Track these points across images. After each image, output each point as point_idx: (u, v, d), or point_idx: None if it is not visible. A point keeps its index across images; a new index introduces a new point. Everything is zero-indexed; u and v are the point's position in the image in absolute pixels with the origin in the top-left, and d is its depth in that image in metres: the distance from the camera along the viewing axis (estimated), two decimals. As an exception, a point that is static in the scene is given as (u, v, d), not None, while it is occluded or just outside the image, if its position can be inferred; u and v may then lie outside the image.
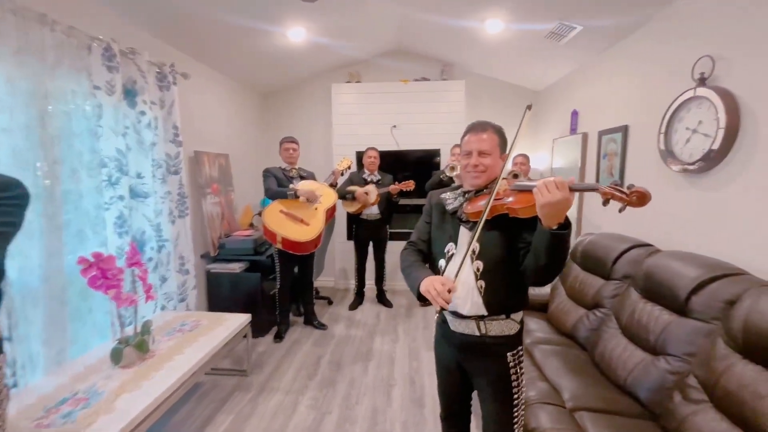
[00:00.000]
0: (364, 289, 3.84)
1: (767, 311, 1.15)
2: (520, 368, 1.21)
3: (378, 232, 3.58)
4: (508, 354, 1.19)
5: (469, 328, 1.21)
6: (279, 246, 2.78)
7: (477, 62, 3.82)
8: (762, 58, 1.44)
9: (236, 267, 3.02)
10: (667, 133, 1.90)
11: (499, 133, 1.24)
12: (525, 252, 1.09)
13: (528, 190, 1.02)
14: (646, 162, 2.14)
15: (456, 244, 1.22)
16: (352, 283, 4.13)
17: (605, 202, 0.82)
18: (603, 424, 1.35)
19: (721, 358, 1.24)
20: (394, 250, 4.03)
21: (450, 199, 1.30)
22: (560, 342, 2.07)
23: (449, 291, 1.02)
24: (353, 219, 3.60)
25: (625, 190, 0.78)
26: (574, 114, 3.04)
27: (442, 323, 1.32)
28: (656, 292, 1.63)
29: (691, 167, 1.75)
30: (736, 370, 1.18)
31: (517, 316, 1.20)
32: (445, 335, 1.32)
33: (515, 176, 2.89)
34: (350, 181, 3.45)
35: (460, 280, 1.20)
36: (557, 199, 0.86)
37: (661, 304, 1.59)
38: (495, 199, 1.10)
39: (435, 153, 3.90)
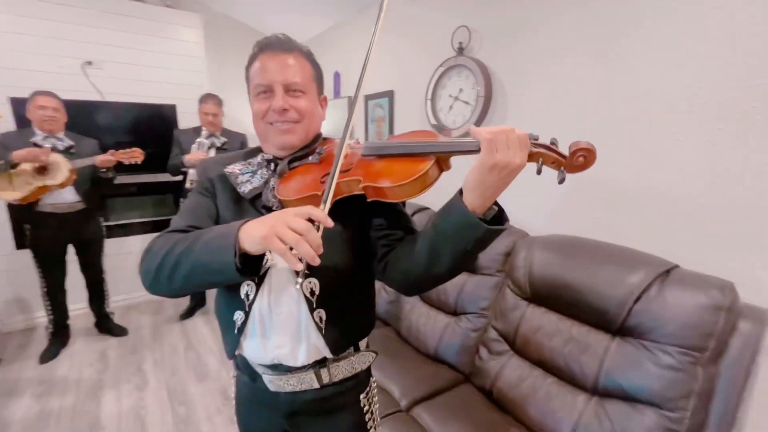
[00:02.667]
0: (69, 321, 2.44)
1: (542, 260, 1.30)
2: (375, 407, 0.86)
3: (82, 229, 2.27)
4: (361, 396, 0.81)
5: (304, 383, 0.74)
6: None
7: (215, -6, 2.97)
8: (503, 33, 1.62)
9: None
10: (434, 100, 1.99)
11: (312, 59, 0.76)
12: (385, 244, 0.71)
13: (401, 155, 0.63)
14: (415, 128, 2.21)
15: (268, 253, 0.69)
16: (40, 318, 2.57)
17: (539, 170, 0.54)
18: (439, 414, 1.24)
19: (512, 307, 1.36)
20: (120, 251, 2.77)
21: (243, 174, 0.73)
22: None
23: (316, 225, 0.55)
24: (24, 214, 2.13)
25: (562, 151, 0.53)
26: (337, 76, 2.88)
27: (251, 382, 0.78)
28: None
29: (455, 133, 1.89)
30: (527, 316, 1.31)
31: (365, 340, 0.83)
32: (258, 400, 0.79)
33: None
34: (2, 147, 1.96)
35: (281, 318, 0.69)
36: (516, 164, 0.51)
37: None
38: (342, 172, 0.64)
39: (169, 110, 2.82)
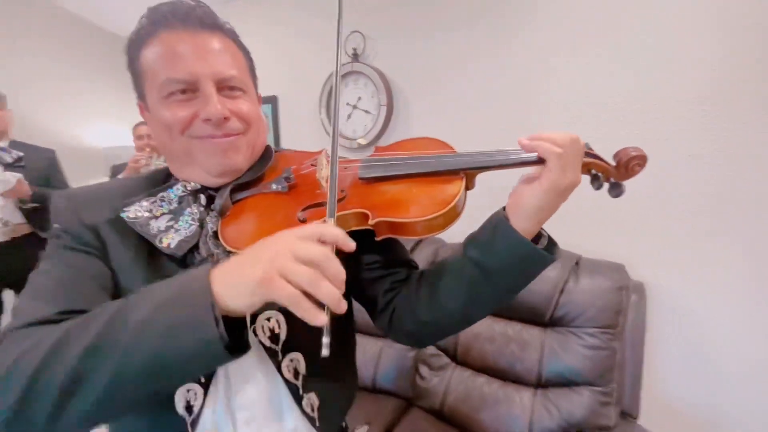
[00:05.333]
0: None
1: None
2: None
3: None
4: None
5: None
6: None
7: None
8: (398, 40, 1.61)
9: None
10: (329, 108, 1.84)
11: (240, 42, 0.55)
12: (389, 289, 0.56)
13: (420, 175, 0.49)
14: (306, 134, 2.00)
15: None
16: None
17: (599, 185, 0.48)
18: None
19: (447, 317, 1.35)
20: None
21: (157, 219, 0.47)
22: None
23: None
24: None
25: (609, 161, 0.48)
26: (197, 77, 2.40)
27: None
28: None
29: (355, 143, 1.79)
30: (464, 324, 1.31)
31: None
32: None
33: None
34: None
35: (249, 430, 0.47)
36: (578, 182, 0.42)
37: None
38: (340, 201, 0.47)
39: None
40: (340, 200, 0.48)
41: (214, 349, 0.33)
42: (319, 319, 0.33)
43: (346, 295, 0.55)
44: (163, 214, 0.48)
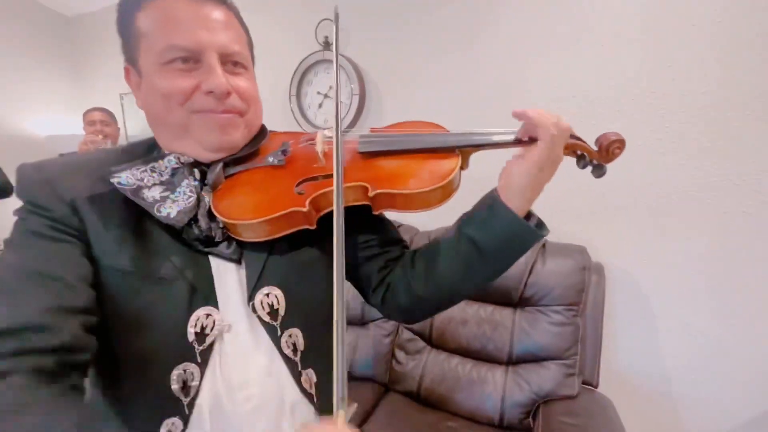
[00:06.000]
0: None
1: (444, 251, 1.37)
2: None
3: None
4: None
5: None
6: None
7: None
8: (372, 28, 1.61)
9: None
10: (299, 97, 1.80)
11: (241, 18, 0.53)
12: (383, 266, 0.57)
13: (418, 152, 0.50)
14: (275, 125, 1.94)
15: (216, 306, 0.44)
16: None
17: (585, 164, 0.51)
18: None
19: (422, 303, 1.38)
20: None
21: (150, 188, 0.45)
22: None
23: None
24: None
25: (588, 145, 0.51)
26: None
27: None
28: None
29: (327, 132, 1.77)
30: (438, 308, 1.35)
31: None
32: None
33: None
34: None
35: (249, 406, 0.46)
36: (560, 157, 0.45)
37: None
38: (331, 177, 0.47)
39: None
40: (330, 175, 0.48)
41: None
42: None
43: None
44: (155, 184, 0.45)
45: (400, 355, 1.37)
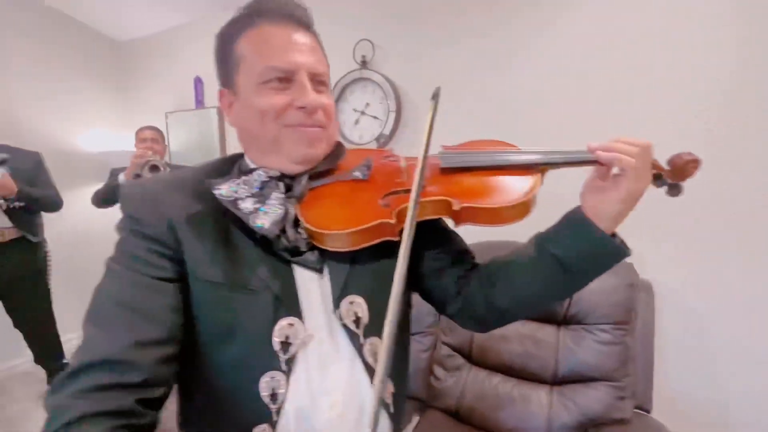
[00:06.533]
0: None
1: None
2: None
3: None
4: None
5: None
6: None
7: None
8: (408, 47, 1.66)
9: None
10: (336, 113, 1.86)
11: (322, 45, 0.58)
12: (460, 278, 0.59)
13: (498, 168, 0.51)
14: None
15: (299, 316, 0.47)
16: None
17: (657, 180, 0.51)
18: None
19: (461, 318, 1.36)
20: None
21: (244, 200, 0.48)
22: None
23: None
24: None
25: (663, 166, 0.51)
26: (198, 82, 2.39)
27: None
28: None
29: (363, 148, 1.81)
30: (478, 324, 1.33)
31: None
32: None
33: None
34: None
35: (332, 414, 0.48)
36: (646, 187, 0.46)
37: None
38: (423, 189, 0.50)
39: None
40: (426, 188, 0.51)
41: None
42: None
43: (406, 288, 0.57)
44: (247, 196, 0.49)
45: (438, 371, 1.35)
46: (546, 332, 1.23)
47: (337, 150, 0.59)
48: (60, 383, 0.38)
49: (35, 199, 1.69)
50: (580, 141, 0.51)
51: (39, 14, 2.36)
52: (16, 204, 1.63)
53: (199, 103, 2.43)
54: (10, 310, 1.82)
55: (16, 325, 1.86)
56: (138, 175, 1.87)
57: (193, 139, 2.54)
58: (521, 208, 0.49)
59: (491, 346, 1.28)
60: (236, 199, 0.48)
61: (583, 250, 0.48)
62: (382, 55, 1.73)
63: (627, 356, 1.13)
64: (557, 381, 1.19)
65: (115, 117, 2.75)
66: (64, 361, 2.00)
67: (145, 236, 0.46)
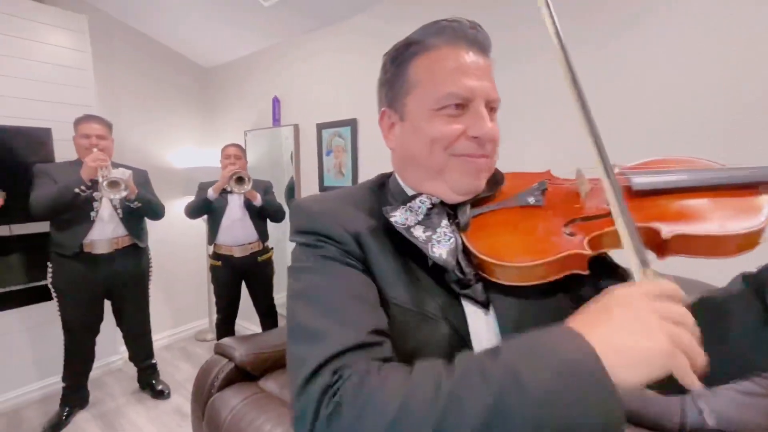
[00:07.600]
0: None
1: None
2: None
3: None
4: None
5: None
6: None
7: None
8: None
9: None
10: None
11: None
12: None
13: (709, 189, 0.43)
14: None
15: (470, 348, 0.45)
16: None
17: None
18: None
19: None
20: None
21: (415, 227, 0.46)
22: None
23: None
24: None
25: None
26: (276, 102, 2.52)
27: None
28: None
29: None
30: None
31: None
32: None
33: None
34: None
35: None
36: None
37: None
38: (600, 217, 0.45)
39: (42, 135, 1.96)
40: (607, 215, 0.43)
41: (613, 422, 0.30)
42: (696, 384, 0.30)
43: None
44: (417, 224, 0.46)
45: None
46: (668, 375, 1.08)
47: (496, 176, 0.54)
48: (303, 384, 0.35)
49: (149, 201, 1.87)
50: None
51: (144, 48, 2.64)
52: (135, 204, 1.80)
53: (276, 121, 2.55)
54: (116, 311, 2.01)
55: (119, 324, 2.04)
56: (225, 190, 1.99)
57: (267, 154, 2.67)
58: (752, 238, 0.39)
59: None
60: (409, 227, 0.46)
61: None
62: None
63: (780, 412, 0.95)
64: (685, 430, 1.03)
65: (200, 136, 2.98)
66: (153, 361, 2.15)
67: (336, 241, 0.46)
